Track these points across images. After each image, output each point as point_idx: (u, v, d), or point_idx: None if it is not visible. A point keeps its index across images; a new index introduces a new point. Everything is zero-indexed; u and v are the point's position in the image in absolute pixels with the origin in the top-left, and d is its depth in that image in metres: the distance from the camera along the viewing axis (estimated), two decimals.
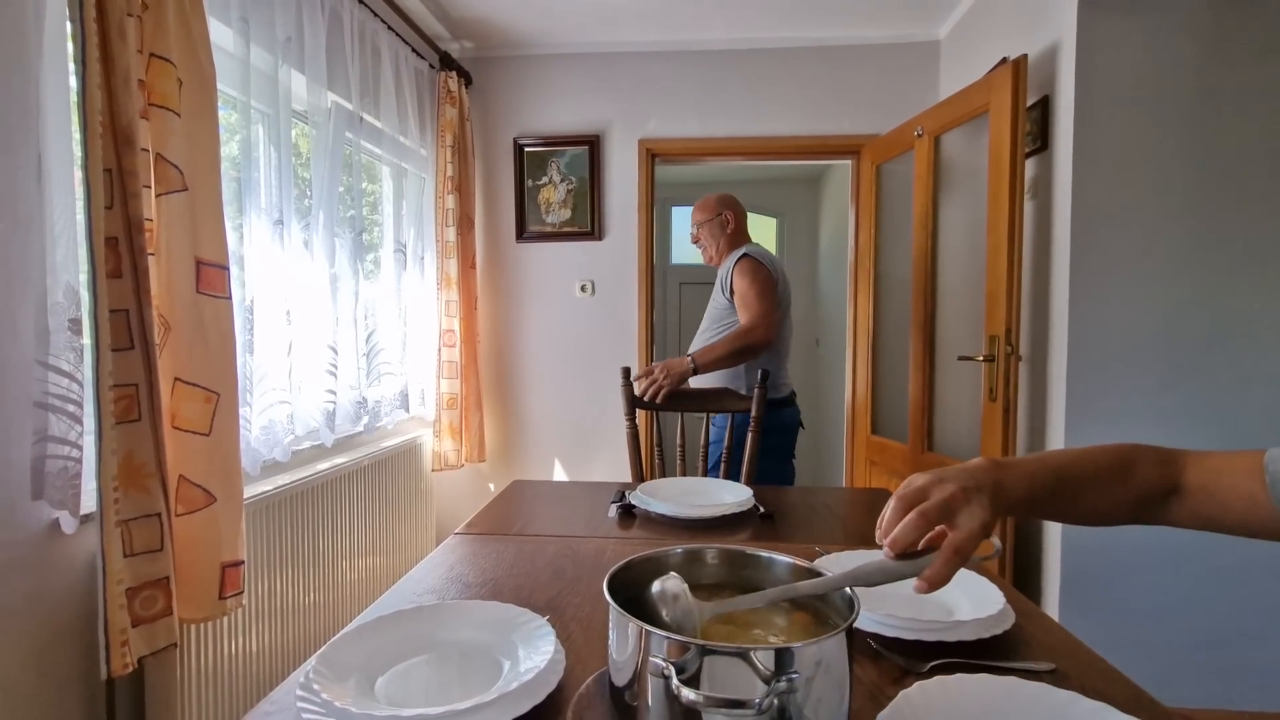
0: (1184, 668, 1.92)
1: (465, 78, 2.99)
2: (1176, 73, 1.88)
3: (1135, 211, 1.92)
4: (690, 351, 2.05)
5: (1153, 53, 1.89)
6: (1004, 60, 2.13)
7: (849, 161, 3.14)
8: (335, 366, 2.08)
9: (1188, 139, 1.89)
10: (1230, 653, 1.91)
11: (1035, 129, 2.09)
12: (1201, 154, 1.89)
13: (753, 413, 1.87)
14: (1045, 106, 2.05)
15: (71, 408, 1.20)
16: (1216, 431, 1.89)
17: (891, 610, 0.77)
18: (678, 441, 1.96)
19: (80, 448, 1.21)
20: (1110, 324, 1.93)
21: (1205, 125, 1.89)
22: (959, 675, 0.62)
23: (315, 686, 0.60)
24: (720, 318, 2.14)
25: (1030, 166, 2.11)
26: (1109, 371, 1.93)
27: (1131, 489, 0.66)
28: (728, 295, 2.11)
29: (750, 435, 1.86)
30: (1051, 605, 1.97)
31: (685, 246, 5.29)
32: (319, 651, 0.66)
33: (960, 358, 2.27)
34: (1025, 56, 2.02)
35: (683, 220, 5.27)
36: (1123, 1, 1.88)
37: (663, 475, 1.94)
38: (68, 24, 1.21)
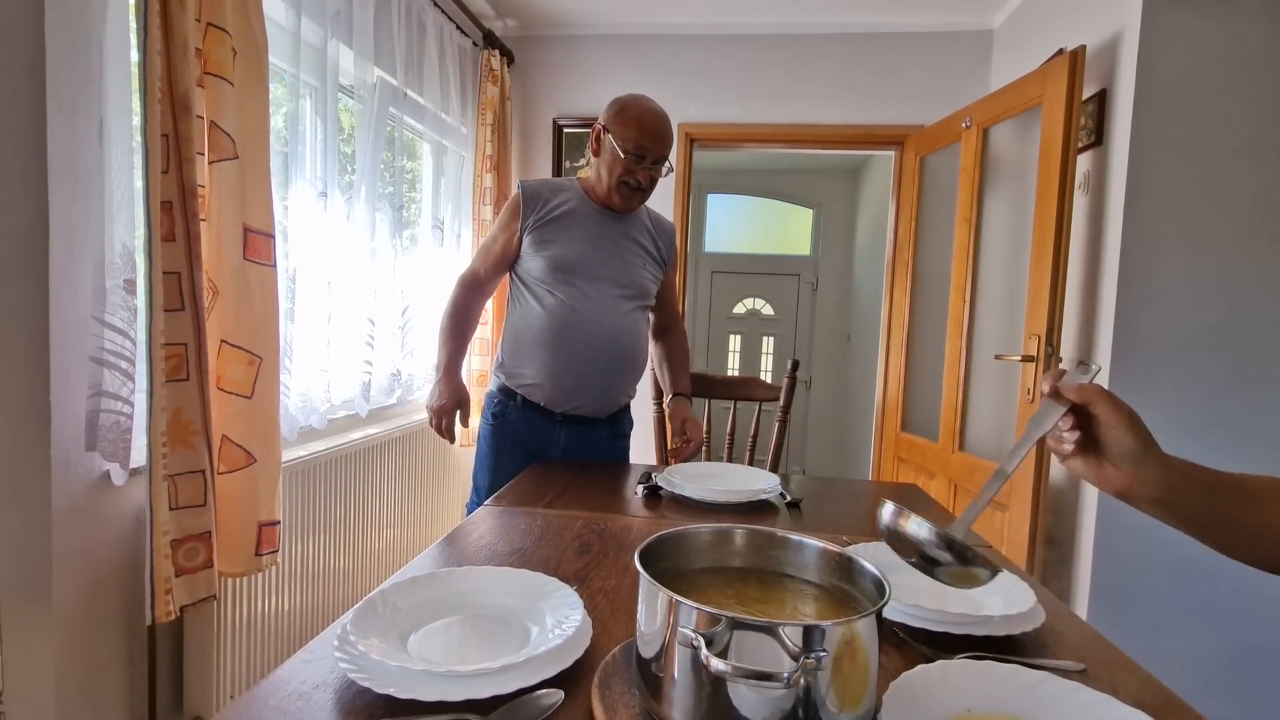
0: (1211, 684, 1.87)
1: (508, 56, 2.99)
2: (1247, 69, 1.80)
3: (1194, 211, 1.84)
4: (676, 390, 1.80)
5: (1222, 47, 1.80)
6: (1060, 51, 2.06)
7: (892, 152, 3.08)
8: (372, 338, 2.12)
9: (1254, 138, 1.81)
10: (1262, 672, 1.85)
11: (1090, 123, 2.01)
12: (1268, 153, 1.81)
13: (781, 401, 1.87)
14: (1102, 100, 1.97)
15: (124, 364, 1.25)
16: (1276, 444, 1.82)
17: (919, 601, 0.77)
18: (704, 428, 1.96)
19: (132, 404, 1.26)
20: (1161, 327, 1.86)
21: (1274, 124, 1.80)
22: (989, 661, 0.62)
23: (352, 639, 0.62)
24: (649, 291, 1.67)
25: (1083, 162, 2.04)
26: (1158, 376, 1.87)
27: None
28: (663, 268, 1.71)
29: (778, 424, 1.86)
30: (1079, 611, 1.93)
31: (719, 235, 5.25)
32: (355, 606, 0.69)
33: (997, 356, 2.23)
34: (1083, 48, 1.94)
35: (719, 207, 5.22)
36: None
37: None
38: None
